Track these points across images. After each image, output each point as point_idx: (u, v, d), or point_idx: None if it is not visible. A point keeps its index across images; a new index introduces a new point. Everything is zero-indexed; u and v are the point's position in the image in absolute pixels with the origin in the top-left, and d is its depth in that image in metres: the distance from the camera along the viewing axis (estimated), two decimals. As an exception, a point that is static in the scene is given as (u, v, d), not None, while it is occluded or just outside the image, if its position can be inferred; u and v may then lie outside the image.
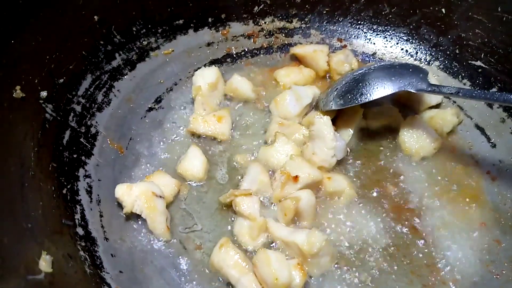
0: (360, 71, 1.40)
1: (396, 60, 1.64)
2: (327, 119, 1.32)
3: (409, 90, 1.29)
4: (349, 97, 1.35)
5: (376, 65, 1.39)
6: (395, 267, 1.18)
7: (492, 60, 1.48)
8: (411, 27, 1.62)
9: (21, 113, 1.06)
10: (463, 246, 1.22)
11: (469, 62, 1.54)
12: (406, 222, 1.26)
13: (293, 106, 1.45)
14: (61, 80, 1.23)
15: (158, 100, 1.48)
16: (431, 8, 1.56)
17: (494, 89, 1.47)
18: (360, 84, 1.35)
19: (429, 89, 1.27)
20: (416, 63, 1.62)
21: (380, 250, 1.20)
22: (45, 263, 0.87)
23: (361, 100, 1.32)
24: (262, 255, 1.08)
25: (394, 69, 1.35)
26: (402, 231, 1.24)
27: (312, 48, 1.61)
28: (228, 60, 1.63)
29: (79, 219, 1.12)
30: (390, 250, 1.21)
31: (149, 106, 1.46)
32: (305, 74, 1.58)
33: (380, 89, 1.31)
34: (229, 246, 1.12)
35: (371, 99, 1.31)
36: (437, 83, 1.48)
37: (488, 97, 1.17)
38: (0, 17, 1.01)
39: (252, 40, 1.67)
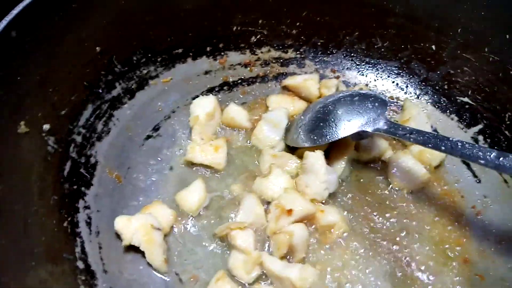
0: (321, 106, 1.45)
1: (381, 92, 1.70)
2: (319, 154, 1.36)
3: (367, 130, 1.34)
4: (313, 137, 1.41)
5: (336, 98, 1.44)
6: (383, 301, 1.23)
7: (479, 97, 1.54)
8: (402, 61, 1.68)
9: (25, 148, 1.08)
10: (446, 281, 1.27)
11: (457, 98, 1.60)
12: (394, 257, 1.30)
13: (274, 133, 1.51)
14: (63, 112, 1.25)
15: (156, 128, 1.51)
16: (421, 44, 1.62)
17: (480, 126, 1.54)
18: (322, 123, 1.41)
19: (385, 128, 1.32)
20: (406, 96, 1.68)
21: (370, 284, 1.25)
22: (48, 303, 0.89)
23: (323, 141, 1.38)
24: (257, 291, 1.11)
25: (353, 105, 1.39)
26: (390, 265, 1.29)
27: (302, 78, 1.67)
28: (225, 88, 1.67)
29: (79, 252, 1.14)
30: (379, 284, 1.25)
31: (147, 134, 1.49)
32: (296, 106, 1.62)
33: (340, 130, 1.36)
34: (225, 280, 1.15)
35: (332, 140, 1.37)
36: (423, 120, 1.55)
37: (442, 147, 1.19)
38: (6, 56, 1.03)
39: (248, 68, 1.72)
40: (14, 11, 1.02)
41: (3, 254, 0.85)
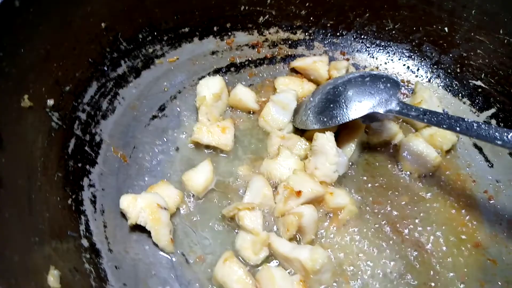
0: (331, 88, 1.42)
1: (391, 74, 1.66)
2: (330, 135, 1.33)
3: (378, 111, 1.30)
4: (322, 119, 1.38)
5: (347, 79, 1.41)
6: (395, 282, 1.20)
7: (492, 80, 1.51)
8: (413, 43, 1.65)
9: (28, 123, 1.05)
10: (458, 265, 1.24)
11: (469, 81, 1.57)
12: (403, 240, 1.28)
13: (282, 115, 1.48)
14: (68, 88, 1.22)
15: (162, 108, 1.48)
16: (434, 26, 1.58)
17: (493, 110, 1.51)
18: (332, 105, 1.37)
19: (398, 109, 1.29)
20: (417, 79, 1.65)
21: (379, 267, 1.22)
22: (53, 279, 0.87)
23: (333, 123, 1.35)
24: (266, 272, 1.09)
25: (364, 86, 1.35)
26: (399, 248, 1.26)
27: (312, 60, 1.64)
28: (232, 69, 1.64)
29: (84, 230, 1.12)
30: (388, 266, 1.23)
31: (153, 114, 1.46)
32: (305, 88, 1.59)
33: (351, 112, 1.33)
34: (233, 261, 1.13)
35: (342, 122, 1.34)
36: (435, 101, 1.52)
37: (457, 128, 1.17)
38: (10, 26, 1.00)
39: (256, 50, 1.68)
40: (18, -20, 0.98)
41: (6, 227, 0.83)
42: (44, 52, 1.12)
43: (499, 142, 1.09)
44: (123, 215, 1.21)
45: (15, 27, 1.01)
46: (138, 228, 1.20)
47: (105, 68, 1.36)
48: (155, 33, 1.49)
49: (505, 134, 1.08)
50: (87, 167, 1.24)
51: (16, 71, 1.01)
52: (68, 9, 1.19)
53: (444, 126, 1.19)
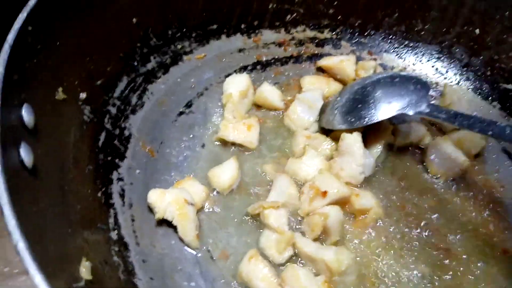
0: (359, 88, 1.40)
1: (419, 75, 1.64)
2: (357, 136, 1.32)
3: (408, 113, 1.29)
4: (349, 119, 1.36)
5: (375, 79, 1.39)
6: (423, 286, 1.19)
7: (524, 84, 1.48)
8: (443, 45, 1.62)
9: (62, 115, 1.07)
10: (485, 272, 1.22)
11: (500, 84, 1.54)
12: (429, 245, 1.26)
13: (308, 114, 1.47)
14: (99, 82, 1.24)
15: (189, 105, 1.49)
16: (465, 27, 1.56)
17: (523, 115, 1.48)
18: (360, 105, 1.36)
19: (428, 111, 1.27)
20: (446, 81, 1.62)
21: (404, 271, 1.21)
22: (85, 270, 0.88)
23: (360, 124, 1.34)
24: (291, 271, 1.09)
25: (393, 87, 1.33)
26: (425, 252, 1.25)
27: (339, 59, 1.62)
28: (258, 67, 1.64)
29: (113, 223, 1.13)
30: (413, 271, 1.21)
31: (180, 110, 1.47)
32: (332, 88, 1.58)
33: (379, 112, 1.32)
34: (258, 259, 1.13)
35: (370, 123, 1.32)
36: (464, 103, 1.49)
37: (489, 132, 1.14)
38: (49, 19, 1.01)
39: (282, 48, 1.68)
40: (57, -25, 1.00)
41: (43, 217, 0.84)
42: (78, 45, 1.14)
43: (533, 148, 1.07)
44: (150, 210, 1.22)
45: (52, 20, 1.03)
46: (165, 223, 1.21)
47: (135, 63, 1.38)
48: (184, 30, 1.50)
49: (541, 139, 1.06)
50: (117, 161, 1.26)
51: (51, 63, 1.03)
52: (103, 4, 1.20)
53: (476, 129, 1.17)
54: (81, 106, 1.16)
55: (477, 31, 1.54)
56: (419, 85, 1.33)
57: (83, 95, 1.16)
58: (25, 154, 0.84)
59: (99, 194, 1.14)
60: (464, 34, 1.56)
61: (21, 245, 0.69)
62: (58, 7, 1.03)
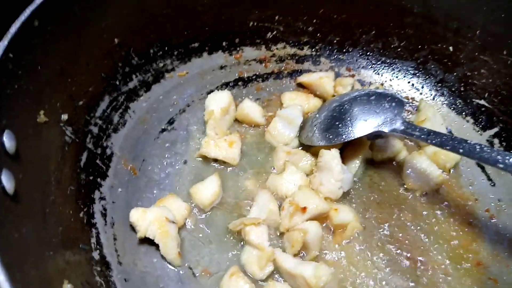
0: (337, 105, 1.45)
1: (396, 91, 1.69)
2: (335, 152, 1.36)
3: (383, 130, 1.34)
4: (328, 136, 1.41)
5: (352, 96, 1.44)
6: (395, 302, 1.23)
7: (495, 100, 1.53)
8: (418, 61, 1.67)
9: (44, 138, 1.08)
10: (460, 284, 1.26)
11: (473, 100, 1.59)
12: (406, 258, 1.30)
13: (288, 130, 1.51)
14: (81, 102, 1.25)
15: (171, 122, 1.51)
16: (439, 45, 1.61)
17: (496, 129, 1.53)
18: (337, 122, 1.41)
19: (402, 128, 1.32)
20: (422, 97, 1.67)
21: (382, 284, 1.25)
22: (66, 292, 0.90)
23: (338, 141, 1.38)
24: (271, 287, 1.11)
25: (369, 105, 1.39)
26: (402, 265, 1.29)
27: (318, 75, 1.67)
28: (240, 83, 1.67)
29: (95, 242, 1.15)
30: (391, 283, 1.25)
31: (162, 127, 1.49)
32: (311, 104, 1.62)
33: (356, 130, 1.37)
34: (239, 276, 1.15)
35: (348, 140, 1.37)
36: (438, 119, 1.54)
37: (460, 150, 1.19)
38: (29, 45, 1.03)
39: (263, 64, 1.71)
40: (38, 1, 1.02)
41: (24, 243, 0.85)
42: (59, 68, 1.16)
43: (501, 166, 1.11)
44: (132, 228, 1.24)
45: (33, 46, 1.05)
46: (147, 241, 1.22)
47: (117, 83, 1.40)
48: (166, 48, 1.53)
49: (507, 158, 1.11)
50: (98, 180, 1.27)
51: (33, 88, 1.04)
52: (84, 27, 1.22)
53: (447, 147, 1.22)
54: (63, 128, 1.17)
55: (451, 48, 1.59)
56: (394, 102, 1.37)
57: (64, 117, 1.17)
58: (7, 181, 0.85)
59: (81, 214, 1.16)
60: (438, 51, 1.62)
61: (2, 278, 0.70)
62: (39, 33, 1.04)
